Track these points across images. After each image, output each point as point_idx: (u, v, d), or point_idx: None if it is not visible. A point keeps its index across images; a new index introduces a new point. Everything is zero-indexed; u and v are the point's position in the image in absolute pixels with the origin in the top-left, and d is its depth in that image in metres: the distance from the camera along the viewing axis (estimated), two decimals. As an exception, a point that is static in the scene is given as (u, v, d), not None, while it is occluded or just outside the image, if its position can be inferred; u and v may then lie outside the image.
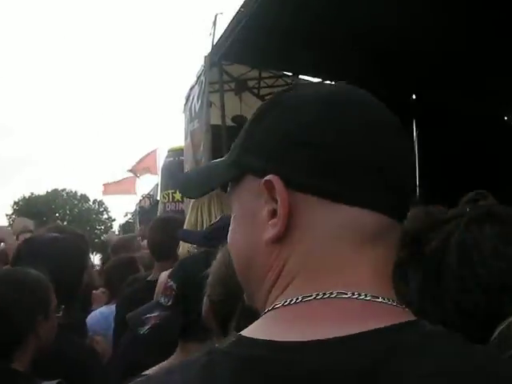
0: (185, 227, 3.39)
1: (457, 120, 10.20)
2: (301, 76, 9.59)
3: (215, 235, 2.25)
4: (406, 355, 0.70)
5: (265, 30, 7.46)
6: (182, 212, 7.68)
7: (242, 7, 7.44)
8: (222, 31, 8.09)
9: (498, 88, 9.74)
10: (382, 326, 0.72)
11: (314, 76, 9.67)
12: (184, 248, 3.26)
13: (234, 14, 7.62)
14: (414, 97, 10.39)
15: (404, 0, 7.09)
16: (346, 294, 0.76)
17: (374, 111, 0.88)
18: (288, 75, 9.57)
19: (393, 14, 7.39)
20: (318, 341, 0.72)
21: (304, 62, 8.68)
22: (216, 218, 2.94)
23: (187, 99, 9.54)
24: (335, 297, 0.76)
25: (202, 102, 8.47)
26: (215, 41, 8.30)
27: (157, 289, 3.06)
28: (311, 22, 7.34)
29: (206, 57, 8.45)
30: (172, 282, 2.21)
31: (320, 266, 0.79)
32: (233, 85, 9.26)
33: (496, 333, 1.47)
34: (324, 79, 9.81)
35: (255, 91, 9.45)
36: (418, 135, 10.32)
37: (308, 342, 0.72)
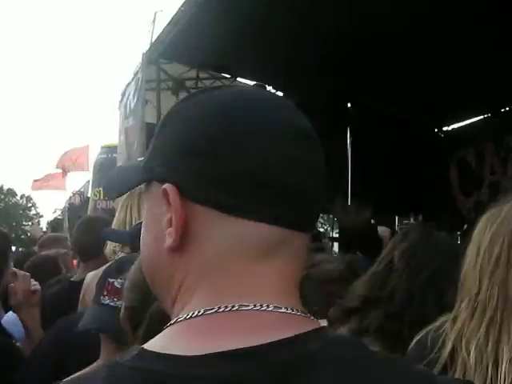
0: (114, 226, 3.33)
1: (390, 128, 10.46)
2: (239, 79, 9.60)
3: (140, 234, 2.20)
4: (311, 363, 0.70)
5: (205, 30, 7.41)
6: (113, 210, 7.53)
7: (182, 6, 7.39)
8: (162, 29, 8.01)
9: (433, 101, 10.05)
10: (287, 336, 0.73)
11: (252, 79, 9.71)
12: (110, 248, 3.20)
13: (174, 12, 7.55)
14: (349, 104, 10.54)
15: (342, 8, 7.20)
16: (248, 306, 0.75)
17: (278, 119, 0.83)
18: (226, 77, 9.56)
19: (331, 21, 7.50)
20: (220, 353, 0.71)
21: (243, 65, 8.69)
22: (145, 216, 2.90)
23: (123, 96, 9.40)
24: (237, 309, 0.76)
25: (137, 99, 8.37)
26: (154, 38, 8.22)
27: (83, 290, 2.99)
28: (252, 25, 7.35)
29: (143, 54, 8.36)
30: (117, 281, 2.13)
31: (219, 279, 0.78)
32: (170, 84, 9.18)
33: (414, 340, 1.50)
34: (262, 84, 9.89)
35: (192, 91, 9.38)
36: (351, 142, 10.49)
37: (209, 354, 0.72)
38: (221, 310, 0.76)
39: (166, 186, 0.80)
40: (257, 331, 0.74)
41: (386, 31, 7.66)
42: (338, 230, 11.07)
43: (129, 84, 9.06)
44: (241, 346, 0.72)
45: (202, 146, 0.78)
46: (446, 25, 7.17)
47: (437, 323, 1.47)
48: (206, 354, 0.72)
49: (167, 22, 7.81)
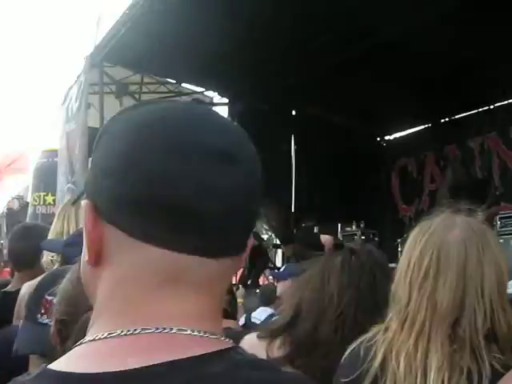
0: (50, 235, 3.24)
1: (334, 137, 10.62)
2: (184, 84, 9.57)
3: (77, 242, 2.14)
4: None
5: (149, 35, 7.36)
6: (54, 215, 7.38)
7: (127, 9, 7.31)
8: (106, 32, 7.91)
9: (375, 110, 10.27)
10: (188, 356, 0.73)
11: (196, 85, 9.70)
12: (47, 258, 3.11)
13: (118, 15, 7.47)
14: (293, 112, 10.64)
15: (287, 18, 7.27)
16: (150, 329, 0.75)
17: (195, 143, 0.78)
18: (171, 82, 9.51)
19: (277, 29, 7.56)
20: (114, 373, 0.72)
21: (188, 70, 8.65)
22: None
23: (65, 99, 9.22)
24: (139, 333, 0.75)
25: (80, 102, 8.22)
26: (98, 41, 8.10)
27: (18, 300, 2.90)
28: (197, 31, 7.33)
29: (86, 57, 8.23)
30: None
31: (122, 303, 0.78)
32: (113, 87, 9.05)
33: (348, 350, 1.51)
34: (206, 90, 9.89)
35: (136, 96, 9.31)
36: (295, 150, 10.58)
37: (106, 373, 0.72)
38: (123, 333, 0.76)
39: (85, 202, 0.81)
40: (157, 352, 0.73)
41: (331, 41, 7.77)
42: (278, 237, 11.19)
43: (71, 87, 8.89)
44: (139, 365, 0.72)
45: (114, 166, 0.77)
46: (391, 38, 7.32)
47: (370, 334, 1.49)
48: (102, 372, 0.72)
49: (111, 25, 7.70)
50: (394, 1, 6.93)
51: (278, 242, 11.30)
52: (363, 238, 8.60)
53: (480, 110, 10.11)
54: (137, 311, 0.78)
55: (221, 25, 7.29)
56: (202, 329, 0.77)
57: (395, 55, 8.16)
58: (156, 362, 0.72)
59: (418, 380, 1.35)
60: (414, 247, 1.47)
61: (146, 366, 0.71)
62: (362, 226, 8.94)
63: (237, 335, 2.06)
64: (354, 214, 9.21)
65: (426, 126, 11.18)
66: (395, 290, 1.48)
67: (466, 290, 1.37)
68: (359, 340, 1.49)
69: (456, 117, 10.58)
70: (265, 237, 13.66)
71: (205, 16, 7.06)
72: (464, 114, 10.40)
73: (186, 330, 0.76)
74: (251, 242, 0.83)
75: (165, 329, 0.76)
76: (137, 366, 0.71)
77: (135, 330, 0.76)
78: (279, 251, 12.02)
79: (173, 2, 6.94)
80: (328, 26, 7.53)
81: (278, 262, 11.75)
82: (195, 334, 0.76)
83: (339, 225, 9.09)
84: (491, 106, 9.94)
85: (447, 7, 6.75)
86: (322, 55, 8.05)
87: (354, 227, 8.96)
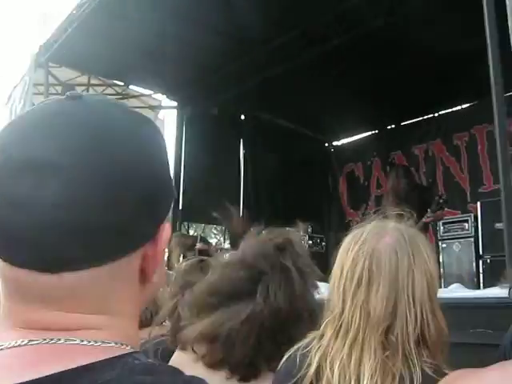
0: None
1: (282, 141, 10.67)
2: (132, 86, 9.45)
3: None
4: None
5: (97, 36, 7.24)
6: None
7: (74, 9, 7.18)
8: (52, 32, 7.74)
9: (323, 116, 10.37)
10: (74, 366, 0.71)
11: (144, 88, 9.60)
12: None
13: (65, 15, 7.32)
14: (242, 117, 10.65)
15: (237, 22, 7.27)
16: (37, 341, 0.74)
17: (11, 157, 0.74)
18: (119, 84, 9.38)
19: (226, 34, 7.56)
20: None
21: (135, 72, 8.55)
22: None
23: (9, 99, 8.99)
24: (25, 344, 0.74)
25: (24, 103, 8.02)
26: (44, 41, 7.93)
27: None
28: (146, 33, 7.26)
29: (31, 56, 8.04)
30: None
31: (6, 315, 0.78)
32: (59, 89, 8.87)
33: (285, 357, 1.50)
34: (155, 93, 9.80)
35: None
36: (244, 154, 10.59)
37: None
38: (10, 345, 0.74)
39: None
40: (46, 364, 0.72)
41: (280, 47, 7.82)
42: (229, 241, 11.16)
43: (16, 87, 8.67)
44: (27, 379, 0.70)
45: None
46: (339, 46, 7.40)
47: (306, 340, 1.49)
48: None
49: (58, 25, 7.54)
50: (341, 10, 7.04)
51: (227, 245, 11.25)
52: (310, 242, 8.66)
53: (425, 117, 10.34)
54: (22, 323, 0.76)
55: (171, 27, 7.22)
56: (94, 338, 0.76)
57: (342, 62, 8.26)
58: (44, 375, 0.70)
59: None
60: (346, 255, 1.48)
61: (36, 379, 0.70)
62: (309, 230, 8.99)
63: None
64: (301, 219, 9.24)
65: (373, 132, 11.37)
66: (329, 297, 1.49)
67: (398, 297, 1.39)
68: (296, 347, 1.49)
69: (402, 124, 10.79)
70: (213, 241, 13.62)
71: (155, 18, 6.98)
72: (410, 121, 10.61)
73: (74, 340, 0.74)
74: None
75: (52, 339, 0.74)
76: (24, 380, 0.69)
77: (22, 341, 0.74)
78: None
79: (121, 3, 6.84)
80: (277, 32, 7.58)
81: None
82: (84, 343, 0.75)
83: (287, 229, 9.12)
84: (436, 114, 10.18)
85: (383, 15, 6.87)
86: (271, 61, 8.09)
87: (301, 232, 9.00)
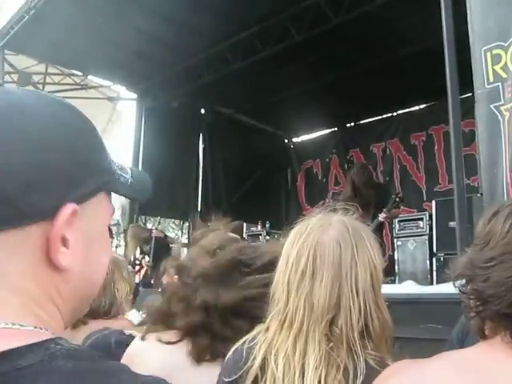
0: None
1: (242, 137, 10.69)
2: (91, 76, 9.31)
3: None
4: (23, 377, 0.68)
5: (55, 24, 7.10)
6: None
7: (32, -4, 7.03)
8: (8, 18, 7.56)
9: (283, 113, 10.40)
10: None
11: (103, 78, 9.47)
12: None
13: (22, 2, 7.16)
14: (202, 111, 10.60)
15: (200, 19, 7.24)
16: None
17: None
18: (77, 74, 9.23)
19: (187, 26, 7.51)
20: None
21: (95, 63, 8.43)
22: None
23: (-38, 87, 8.75)
24: None
25: (-22, 91, 7.82)
26: (-1, 28, 7.75)
27: None
28: (107, 23, 7.16)
29: (-14, 43, 7.86)
30: None
31: None
32: (16, 77, 8.68)
33: (231, 350, 1.50)
34: (114, 84, 9.67)
35: (40, 86, 8.95)
36: (204, 149, 10.55)
37: None
38: None
39: None
40: None
41: (241, 42, 7.82)
42: (187, 236, 11.11)
43: (-30, 74, 8.47)
44: None
45: None
46: (300, 42, 7.42)
47: (252, 333, 1.49)
48: None
49: (14, 12, 7.37)
50: (302, 6, 7.07)
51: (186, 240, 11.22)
52: (268, 238, 8.68)
53: (384, 116, 10.49)
54: None
55: (132, 19, 7.14)
56: (8, 320, 0.73)
57: (303, 59, 8.30)
58: None
59: (296, 379, 1.36)
60: (291, 248, 1.49)
61: None
62: (267, 226, 9.01)
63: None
64: (260, 214, 9.29)
65: (333, 129, 11.46)
66: (274, 289, 1.49)
67: (342, 289, 1.40)
68: (242, 340, 1.49)
69: (361, 122, 10.92)
70: (171, 235, 13.52)
71: (116, 9, 6.88)
72: (368, 120, 10.76)
73: None
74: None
75: None
76: None
77: None
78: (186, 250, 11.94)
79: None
80: (240, 27, 7.57)
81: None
82: (7, 326, 0.72)
83: (245, 225, 9.12)
84: (394, 114, 10.34)
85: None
86: (233, 55, 8.08)
87: (259, 227, 9.02)
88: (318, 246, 1.44)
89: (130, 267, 7.64)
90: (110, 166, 0.85)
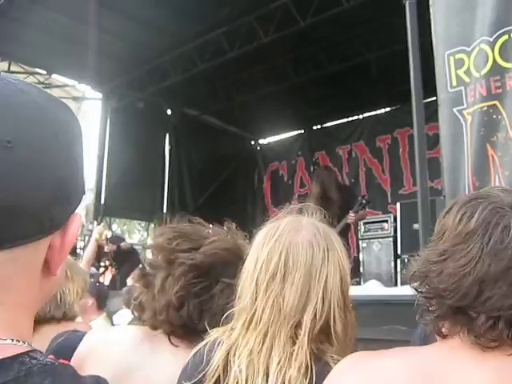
0: None
1: (208, 138, 10.65)
2: (55, 75, 9.18)
3: None
4: None
5: (18, 19, 6.98)
6: None
7: (-2, -7, 6.89)
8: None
9: (251, 115, 10.41)
10: None
11: (68, 77, 9.34)
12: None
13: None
14: (169, 111, 10.54)
15: (167, 20, 7.20)
16: None
17: None
18: (41, 73, 9.08)
19: (157, 30, 7.47)
20: None
21: (59, 61, 8.30)
22: None
23: None
24: None
25: None
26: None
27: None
28: (73, 20, 7.08)
29: None
30: None
31: None
32: (-23, 74, 8.49)
33: (192, 352, 1.48)
34: (79, 83, 9.55)
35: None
36: (170, 150, 10.48)
37: None
38: None
39: None
40: None
41: (208, 43, 7.79)
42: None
43: None
44: None
45: None
46: (268, 43, 7.42)
47: (215, 335, 1.46)
48: None
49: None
50: (270, 8, 7.08)
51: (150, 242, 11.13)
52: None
53: (350, 119, 10.57)
54: None
55: (98, 17, 7.04)
56: None
57: (270, 61, 8.33)
58: None
59: (259, 382, 1.35)
60: (261, 249, 1.47)
61: None
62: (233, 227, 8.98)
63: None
64: (226, 215, 9.22)
65: (299, 132, 11.51)
66: (241, 290, 1.47)
67: (311, 292, 1.38)
68: (204, 342, 1.47)
69: (327, 125, 10.99)
70: (137, 237, 13.41)
71: (81, 6, 6.78)
72: (334, 123, 10.83)
73: None
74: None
75: None
76: None
77: None
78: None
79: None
80: (207, 28, 7.54)
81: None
82: None
83: (211, 226, 9.08)
84: (360, 116, 10.42)
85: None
86: (200, 56, 8.05)
87: (225, 228, 8.98)
88: (290, 247, 1.43)
89: (93, 269, 7.57)
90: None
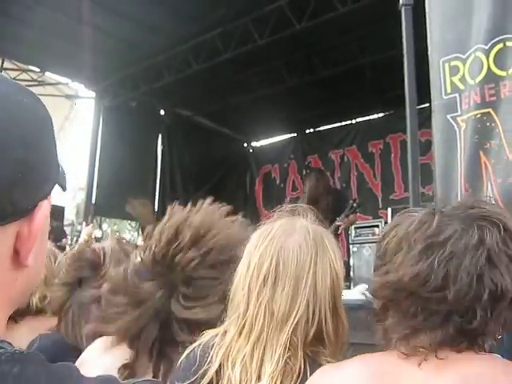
0: None
1: (201, 140, 10.64)
2: (48, 73, 9.13)
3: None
4: None
5: (14, 18, 6.96)
6: None
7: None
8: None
9: (244, 117, 10.41)
10: None
11: (62, 75, 9.29)
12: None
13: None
14: (162, 112, 10.51)
15: (162, 20, 7.19)
16: None
17: None
18: (34, 71, 9.04)
19: (151, 30, 7.45)
20: None
21: (53, 59, 8.27)
22: None
23: None
24: None
25: None
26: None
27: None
28: (66, 18, 7.06)
29: None
30: None
31: None
32: (-31, 70, 8.45)
33: (184, 354, 1.48)
34: (72, 81, 9.51)
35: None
36: (162, 150, 10.46)
37: None
38: None
39: None
40: None
41: (203, 44, 7.79)
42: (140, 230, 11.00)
43: None
44: None
45: None
46: (263, 46, 7.42)
47: (207, 337, 1.46)
48: None
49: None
50: (266, 11, 7.08)
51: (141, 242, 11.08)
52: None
53: (343, 123, 10.58)
54: None
55: (93, 16, 7.02)
56: None
57: (264, 64, 8.34)
58: None
59: None
60: (253, 252, 1.46)
61: None
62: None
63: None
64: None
65: (292, 135, 11.51)
66: (234, 293, 1.46)
67: (302, 297, 1.38)
68: (197, 343, 1.46)
69: (320, 129, 11.00)
70: (127, 237, 13.37)
71: (76, 4, 6.77)
72: (327, 127, 10.84)
73: None
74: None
75: None
76: None
77: None
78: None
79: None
80: (203, 29, 7.53)
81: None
82: None
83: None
84: (353, 121, 10.44)
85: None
86: (194, 57, 8.04)
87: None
88: (281, 251, 1.42)
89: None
90: (58, 157, 0.83)
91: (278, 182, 11.30)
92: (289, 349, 1.35)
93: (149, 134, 10.16)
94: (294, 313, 1.37)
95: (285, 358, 1.34)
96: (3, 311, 0.77)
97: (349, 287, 6.78)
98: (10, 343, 0.72)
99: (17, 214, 0.72)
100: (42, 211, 0.75)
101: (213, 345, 1.43)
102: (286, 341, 1.36)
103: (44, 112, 0.80)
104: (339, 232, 7.12)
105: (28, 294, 0.85)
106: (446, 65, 3.42)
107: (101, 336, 1.71)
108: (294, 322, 1.36)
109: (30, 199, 0.74)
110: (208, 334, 1.47)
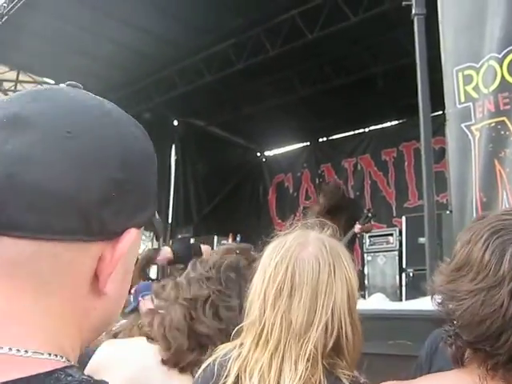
0: None
1: (214, 149, 10.66)
2: (62, 85, 9.21)
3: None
4: None
5: (29, 31, 7.03)
6: None
7: (4, 3, 6.95)
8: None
9: (257, 126, 10.42)
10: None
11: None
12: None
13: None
14: (175, 122, 10.56)
15: (174, 31, 7.24)
16: None
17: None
18: (49, 83, 9.13)
19: (162, 40, 7.50)
20: None
21: (67, 71, 8.33)
22: None
23: None
24: None
25: None
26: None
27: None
28: (79, 32, 7.12)
29: (-44, 48, 7.72)
30: None
31: None
32: (-15, 84, 8.56)
33: (202, 366, 1.49)
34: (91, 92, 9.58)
35: (10, 94, 8.81)
36: (176, 160, 10.50)
37: None
38: None
39: None
40: None
41: (215, 54, 7.83)
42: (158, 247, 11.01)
43: None
44: None
45: None
46: (273, 57, 7.45)
47: (225, 349, 1.46)
48: None
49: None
50: (278, 21, 7.11)
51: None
52: (238, 251, 8.65)
53: (356, 132, 10.57)
54: None
55: (106, 29, 7.10)
56: (25, 346, 0.66)
57: (278, 73, 8.36)
58: None
59: None
60: (268, 264, 1.46)
61: None
62: (238, 239, 8.97)
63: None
64: (231, 227, 9.26)
65: (305, 144, 11.51)
66: (250, 305, 1.46)
67: (319, 308, 1.38)
68: (214, 356, 1.46)
69: (333, 137, 10.99)
70: (141, 247, 13.38)
71: (90, 18, 6.84)
72: (340, 135, 10.83)
73: (0, 348, 0.64)
74: None
75: None
76: None
77: None
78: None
79: (55, 1, 6.66)
80: (215, 40, 7.57)
81: (153, 273, 11.54)
82: (13, 352, 0.64)
83: (215, 237, 9.09)
84: (366, 129, 10.43)
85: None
86: (207, 67, 8.08)
87: (230, 240, 8.98)
88: (297, 261, 1.42)
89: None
90: (156, 197, 0.81)
91: (291, 191, 11.30)
92: (307, 360, 1.35)
93: (162, 145, 10.21)
94: (312, 324, 1.37)
95: (303, 369, 1.34)
96: (76, 336, 0.74)
97: (363, 296, 6.77)
98: (79, 368, 0.69)
99: (103, 234, 0.70)
100: (130, 236, 0.72)
101: (230, 358, 1.43)
102: (308, 352, 1.35)
103: (151, 148, 0.80)
104: (356, 242, 7.11)
105: (103, 329, 0.81)
106: (460, 74, 3.43)
107: None
108: (313, 333, 1.36)
109: (120, 223, 0.72)
110: (225, 348, 1.47)
